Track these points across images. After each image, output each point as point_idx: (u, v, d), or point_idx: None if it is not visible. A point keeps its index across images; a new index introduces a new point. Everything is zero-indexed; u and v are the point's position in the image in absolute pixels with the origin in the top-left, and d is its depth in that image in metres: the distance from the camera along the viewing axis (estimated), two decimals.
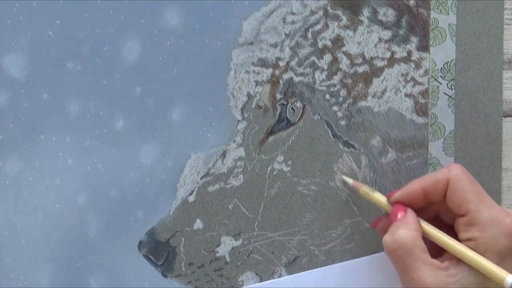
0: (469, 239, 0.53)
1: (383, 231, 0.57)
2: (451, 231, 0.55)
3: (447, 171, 0.54)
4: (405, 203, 0.56)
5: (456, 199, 0.54)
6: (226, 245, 0.62)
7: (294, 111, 0.62)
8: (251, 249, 0.62)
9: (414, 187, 0.55)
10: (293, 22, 0.62)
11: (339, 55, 0.62)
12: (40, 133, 0.62)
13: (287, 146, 0.62)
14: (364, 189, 0.59)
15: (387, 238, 0.54)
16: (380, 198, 0.58)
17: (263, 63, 0.62)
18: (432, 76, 0.62)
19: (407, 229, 0.53)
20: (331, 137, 0.62)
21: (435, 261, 0.53)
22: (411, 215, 0.55)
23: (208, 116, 0.62)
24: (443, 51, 0.62)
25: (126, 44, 0.62)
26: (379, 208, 0.58)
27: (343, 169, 0.62)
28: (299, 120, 0.62)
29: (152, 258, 0.62)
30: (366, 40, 0.62)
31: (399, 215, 0.55)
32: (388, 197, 0.57)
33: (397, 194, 0.56)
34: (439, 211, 0.57)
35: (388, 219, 0.57)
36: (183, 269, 0.62)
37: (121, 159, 0.62)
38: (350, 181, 0.60)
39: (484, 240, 0.52)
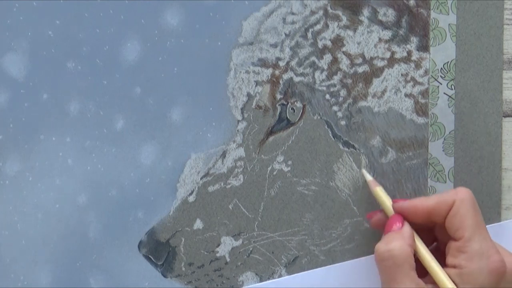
0: (454, 266, 0.53)
1: (376, 225, 0.58)
2: (441, 249, 0.56)
3: (454, 193, 0.55)
4: (407, 216, 0.56)
5: (454, 222, 0.54)
6: (226, 245, 0.62)
7: (294, 111, 0.62)
8: (251, 249, 0.62)
9: (420, 203, 0.55)
10: (293, 22, 0.62)
11: (339, 55, 0.62)
12: (40, 133, 0.62)
13: (287, 146, 0.62)
14: (378, 190, 0.59)
15: (380, 246, 0.54)
16: (386, 201, 0.58)
17: (263, 63, 0.62)
18: (432, 76, 0.62)
19: (402, 242, 0.54)
20: (331, 137, 0.62)
21: (420, 281, 0.53)
22: (407, 229, 0.55)
23: (208, 116, 0.62)
24: (443, 51, 0.62)
25: (126, 44, 0.62)
26: (380, 208, 0.59)
27: (343, 169, 0.62)
28: (299, 120, 0.62)
29: (152, 258, 0.62)
30: (366, 40, 0.62)
31: (395, 226, 0.55)
32: (394, 202, 0.57)
33: (403, 204, 0.56)
34: (435, 227, 0.57)
35: (383, 217, 0.58)
36: (183, 269, 0.62)
37: (121, 159, 0.62)
38: (369, 177, 0.60)
39: (468, 271, 0.53)
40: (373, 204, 0.61)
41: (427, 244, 0.56)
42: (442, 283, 0.53)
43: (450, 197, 0.54)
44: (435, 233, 0.57)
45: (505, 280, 0.53)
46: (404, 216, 0.56)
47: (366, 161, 0.62)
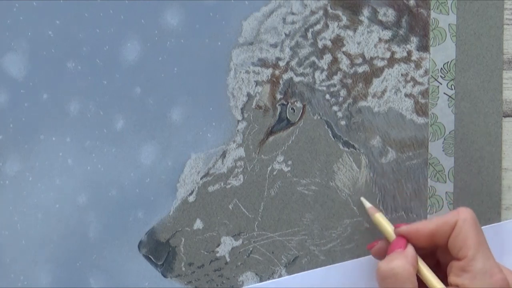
0: (457, 285, 0.53)
1: (378, 254, 0.58)
2: (443, 269, 0.56)
3: (456, 213, 0.55)
4: (410, 239, 0.56)
5: (457, 242, 0.54)
6: (226, 245, 0.62)
7: (294, 111, 0.62)
8: (251, 249, 0.62)
9: (422, 226, 0.55)
10: (293, 22, 0.62)
11: (339, 55, 0.62)
12: (40, 133, 0.62)
13: (287, 146, 0.62)
14: (378, 216, 0.59)
15: (382, 265, 0.54)
16: (387, 226, 0.58)
17: (263, 63, 0.62)
18: (432, 76, 0.62)
19: (404, 261, 0.54)
20: (331, 137, 0.62)
21: None
22: (411, 250, 0.55)
23: (208, 116, 0.62)
24: (443, 51, 0.62)
25: (126, 44, 0.62)
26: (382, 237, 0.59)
27: (343, 169, 0.62)
28: (299, 120, 0.62)
29: (152, 258, 0.62)
30: (366, 40, 0.62)
31: (398, 248, 0.55)
32: (395, 227, 0.57)
33: (405, 228, 0.56)
34: (437, 248, 0.57)
35: (384, 244, 0.57)
36: (183, 269, 0.62)
37: (121, 159, 0.62)
38: (368, 204, 0.60)
39: None
40: (373, 204, 0.61)
41: (430, 266, 0.56)
42: None
43: (452, 217, 0.54)
44: (437, 256, 0.57)
45: None
46: (407, 240, 0.56)
47: (366, 161, 0.62)
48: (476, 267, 0.53)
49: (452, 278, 0.54)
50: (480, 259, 0.53)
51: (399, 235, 0.56)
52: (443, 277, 0.55)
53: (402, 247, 0.55)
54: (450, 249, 0.54)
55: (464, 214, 0.54)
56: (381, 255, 0.58)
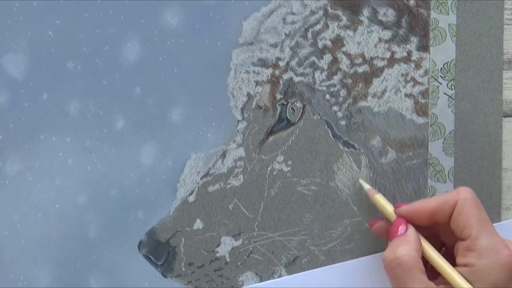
0: (465, 265, 0.53)
1: (378, 232, 0.58)
2: (449, 252, 0.56)
3: (456, 193, 0.55)
4: (410, 219, 0.56)
5: (460, 222, 0.54)
6: (226, 245, 0.62)
7: (294, 111, 0.62)
8: (251, 249, 0.62)
9: (422, 205, 0.55)
10: (293, 22, 0.62)
11: (339, 55, 0.62)
12: (40, 133, 0.62)
13: (287, 146, 0.62)
14: (377, 197, 0.59)
15: (387, 255, 0.54)
16: (388, 207, 0.58)
17: (263, 63, 0.62)
18: (432, 76, 0.62)
19: (408, 248, 0.54)
20: (331, 137, 0.62)
21: (431, 283, 0.53)
22: (412, 232, 0.55)
23: (208, 116, 0.62)
24: (443, 51, 0.62)
25: (126, 44, 0.62)
26: (381, 213, 0.59)
27: (343, 169, 0.62)
28: (299, 120, 0.62)
29: (152, 258, 0.62)
30: (366, 40, 0.62)
31: (399, 231, 0.55)
32: (395, 208, 0.57)
33: (405, 208, 0.56)
34: (440, 231, 0.57)
35: (385, 223, 0.58)
36: (183, 269, 0.62)
37: (121, 159, 0.62)
38: (367, 186, 0.60)
39: (479, 268, 0.53)
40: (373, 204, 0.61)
41: (436, 249, 0.56)
42: (456, 283, 0.53)
43: (452, 197, 0.54)
44: (441, 238, 0.57)
45: None
46: (407, 220, 0.56)
47: (366, 161, 0.62)
48: (482, 245, 0.53)
49: (459, 259, 0.54)
50: (485, 237, 0.53)
51: (399, 216, 0.56)
52: (451, 260, 0.55)
53: (404, 227, 0.55)
54: (453, 229, 0.54)
55: (464, 193, 0.54)
56: (381, 233, 0.58)
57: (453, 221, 0.54)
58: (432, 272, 0.55)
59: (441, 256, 0.55)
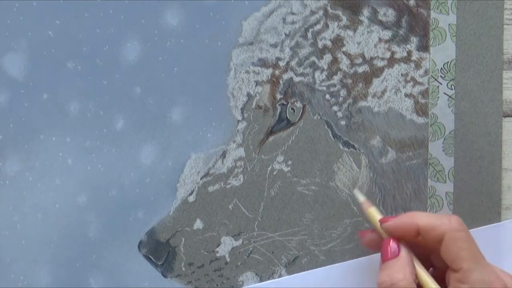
0: None
1: (369, 245, 0.57)
2: (437, 274, 0.55)
3: (446, 222, 0.53)
4: (398, 234, 0.54)
5: (450, 254, 0.53)
6: (226, 245, 0.62)
7: (294, 111, 0.62)
8: (251, 249, 0.62)
9: (410, 220, 0.54)
10: (293, 22, 0.62)
11: (339, 55, 0.62)
12: (40, 133, 0.62)
13: (287, 146, 0.62)
14: (371, 210, 0.57)
15: (384, 280, 0.53)
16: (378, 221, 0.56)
17: (263, 63, 0.62)
18: (432, 76, 0.62)
19: (403, 273, 0.53)
20: (331, 137, 0.62)
21: None
22: (405, 254, 0.54)
23: (208, 116, 0.62)
24: (443, 51, 0.62)
25: (126, 44, 0.62)
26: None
27: (343, 169, 0.62)
28: (299, 120, 0.62)
29: (152, 258, 0.62)
30: (366, 40, 0.62)
31: (392, 252, 0.54)
32: (381, 222, 0.55)
33: (391, 224, 0.54)
34: (430, 253, 0.56)
35: (376, 236, 0.56)
36: (183, 269, 0.62)
37: (121, 159, 0.62)
38: (361, 198, 0.57)
39: None
40: (373, 203, 0.61)
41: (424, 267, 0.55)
42: None
43: (441, 225, 0.53)
44: (431, 260, 0.56)
45: None
46: (396, 235, 0.55)
47: (366, 161, 0.62)
48: (474, 278, 0.52)
49: None
50: (477, 270, 0.52)
51: (387, 231, 0.55)
52: (439, 281, 0.54)
53: (396, 252, 0.54)
54: (444, 259, 0.53)
55: (454, 224, 0.53)
56: (372, 246, 0.56)
57: (443, 252, 0.53)
58: None
59: (435, 282, 0.54)
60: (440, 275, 0.55)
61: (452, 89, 0.62)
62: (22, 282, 0.62)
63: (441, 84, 0.62)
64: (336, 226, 0.62)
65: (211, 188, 0.62)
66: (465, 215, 0.61)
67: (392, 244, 0.55)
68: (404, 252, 0.54)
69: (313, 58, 0.62)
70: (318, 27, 0.62)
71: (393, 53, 0.62)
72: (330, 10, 0.62)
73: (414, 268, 0.54)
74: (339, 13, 0.62)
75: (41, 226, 0.62)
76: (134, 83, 0.62)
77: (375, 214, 0.56)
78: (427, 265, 0.56)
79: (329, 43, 0.62)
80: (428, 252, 0.56)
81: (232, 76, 0.62)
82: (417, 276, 0.54)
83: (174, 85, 0.62)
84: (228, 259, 0.62)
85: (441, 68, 0.62)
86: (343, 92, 0.62)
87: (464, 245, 0.53)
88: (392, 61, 0.62)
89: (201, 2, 0.62)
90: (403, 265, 0.53)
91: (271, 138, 0.62)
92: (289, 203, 0.62)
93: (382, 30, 0.62)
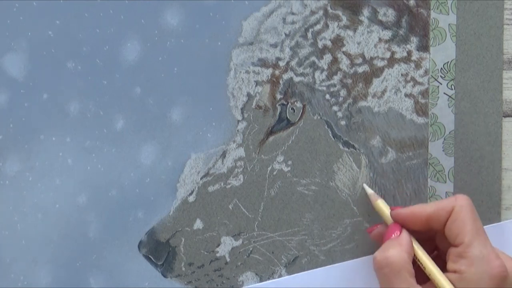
0: (455, 271, 0.53)
1: (377, 238, 0.58)
2: (443, 258, 0.56)
3: (453, 199, 0.55)
4: (406, 223, 0.56)
5: (454, 228, 0.54)
6: (226, 245, 0.62)
7: (294, 111, 0.62)
8: (251, 249, 0.62)
9: (419, 210, 0.55)
10: (293, 22, 0.62)
11: (339, 55, 0.62)
12: (40, 133, 0.62)
13: (287, 146, 0.62)
14: (379, 202, 0.59)
15: (377, 255, 0.54)
16: (387, 212, 0.58)
17: (263, 63, 0.62)
18: (432, 76, 0.62)
19: (399, 249, 0.54)
20: (331, 137, 0.62)
21: (418, 286, 0.53)
22: (405, 236, 0.55)
23: (208, 116, 0.62)
24: (443, 51, 0.62)
25: (126, 44, 0.62)
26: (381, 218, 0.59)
27: (343, 169, 0.62)
28: (299, 120, 0.62)
29: (152, 258, 0.62)
30: (366, 40, 0.62)
31: (393, 235, 0.56)
32: (391, 210, 0.57)
33: (401, 211, 0.56)
34: (435, 236, 0.57)
35: (384, 228, 0.58)
36: (183, 269, 0.62)
37: (121, 159, 0.62)
38: (369, 191, 0.60)
39: (468, 276, 0.53)
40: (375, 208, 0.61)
41: (429, 253, 0.56)
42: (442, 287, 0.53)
43: (449, 203, 0.55)
44: (435, 242, 0.57)
45: (506, 285, 0.53)
46: (403, 223, 0.56)
47: (366, 161, 0.62)
48: (473, 253, 0.53)
49: (450, 264, 0.54)
50: (477, 246, 0.53)
51: (395, 218, 0.56)
52: (442, 264, 0.55)
53: (397, 232, 0.56)
54: (447, 235, 0.54)
55: (461, 201, 0.54)
56: (380, 239, 0.58)
57: (448, 227, 0.54)
58: (422, 277, 0.55)
59: (431, 260, 0.55)
60: (443, 258, 0.56)
61: (452, 89, 0.62)
62: (22, 282, 0.62)
63: (441, 84, 0.62)
64: (336, 226, 0.62)
65: (211, 188, 0.62)
66: None
67: (395, 228, 0.56)
68: (404, 234, 0.56)
69: (313, 58, 0.62)
70: (318, 27, 0.62)
71: (393, 53, 0.62)
72: (330, 10, 0.62)
73: (412, 249, 0.55)
74: (339, 13, 0.62)
75: (41, 226, 0.62)
76: (134, 83, 0.62)
77: (383, 205, 0.58)
78: (431, 248, 0.57)
79: (329, 43, 0.62)
80: (433, 235, 0.57)
81: (232, 76, 0.62)
82: (415, 256, 0.55)
83: (174, 85, 0.62)
84: (228, 259, 0.62)
85: (441, 68, 0.62)
86: (343, 92, 0.62)
87: (468, 219, 0.54)
88: (392, 61, 0.62)
89: (201, 2, 0.62)
90: (400, 244, 0.55)
91: (271, 138, 0.62)
92: (289, 203, 0.62)
93: (382, 30, 0.62)
